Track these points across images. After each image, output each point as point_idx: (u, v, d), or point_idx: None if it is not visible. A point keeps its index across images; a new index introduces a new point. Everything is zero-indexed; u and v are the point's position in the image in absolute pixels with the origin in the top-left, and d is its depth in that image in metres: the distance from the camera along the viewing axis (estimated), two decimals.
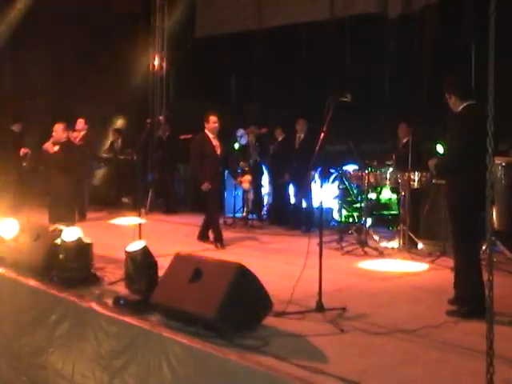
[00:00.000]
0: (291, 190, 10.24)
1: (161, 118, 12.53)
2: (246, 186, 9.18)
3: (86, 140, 10.63)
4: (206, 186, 7.72)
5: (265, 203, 11.33)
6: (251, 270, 4.27)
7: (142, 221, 6.37)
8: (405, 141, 8.43)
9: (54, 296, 5.20)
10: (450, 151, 5.23)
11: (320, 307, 4.72)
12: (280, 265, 6.88)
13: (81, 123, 10.75)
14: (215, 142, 7.88)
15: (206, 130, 7.93)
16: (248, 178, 9.49)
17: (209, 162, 7.81)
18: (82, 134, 10.69)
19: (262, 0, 12.85)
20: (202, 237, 8.21)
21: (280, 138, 10.42)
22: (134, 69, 14.47)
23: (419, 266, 6.82)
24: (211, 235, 8.09)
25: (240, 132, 10.60)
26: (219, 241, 7.88)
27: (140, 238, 5.74)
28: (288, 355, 3.74)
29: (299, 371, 3.52)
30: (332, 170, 10.10)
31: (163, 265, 4.83)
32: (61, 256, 5.56)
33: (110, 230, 9.52)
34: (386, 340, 4.19)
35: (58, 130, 8.01)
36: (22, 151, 8.60)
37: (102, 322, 4.62)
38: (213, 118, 7.85)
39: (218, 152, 7.90)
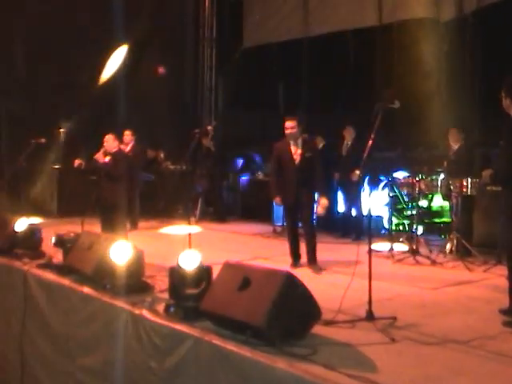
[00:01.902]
0: (340, 197, 10.19)
1: (209, 127, 12.66)
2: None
3: (134, 151, 10.78)
4: (276, 201, 7.30)
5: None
6: (299, 279, 4.28)
7: (195, 229, 6.44)
8: (456, 147, 8.29)
9: (105, 302, 5.30)
10: (508, 158, 4.98)
11: (370, 316, 4.68)
12: (329, 273, 6.85)
13: (128, 135, 10.88)
14: (295, 150, 7.02)
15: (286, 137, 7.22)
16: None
17: (284, 171, 7.10)
18: (130, 145, 10.86)
19: (309, 8, 12.88)
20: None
21: (320, 146, 10.38)
22: (183, 79, 14.70)
23: (473, 275, 6.68)
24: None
25: None
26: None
27: (190, 246, 5.79)
28: (337, 364, 3.73)
29: (348, 381, 3.50)
30: (381, 178, 10.00)
31: (213, 273, 4.88)
32: (113, 265, 5.67)
33: (160, 239, 9.65)
34: (437, 350, 4.12)
35: (109, 140, 8.18)
36: (76, 162, 8.80)
37: (153, 329, 4.69)
38: (287, 124, 7.01)
39: (297, 161, 7.00)
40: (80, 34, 12.31)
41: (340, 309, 4.76)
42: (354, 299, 4.89)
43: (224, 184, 12.71)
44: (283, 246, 8.72)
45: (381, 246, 8.07)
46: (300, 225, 7.28)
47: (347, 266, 6.19)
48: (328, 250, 8.64)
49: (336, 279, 6.31)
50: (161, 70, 13.14)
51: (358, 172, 9.54)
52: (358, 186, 9.12)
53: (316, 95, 12.84)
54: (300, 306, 4.22)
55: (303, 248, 7.19)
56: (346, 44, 12.29)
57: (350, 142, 9.77)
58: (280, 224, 10.34)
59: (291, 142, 7.00)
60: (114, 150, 8.17)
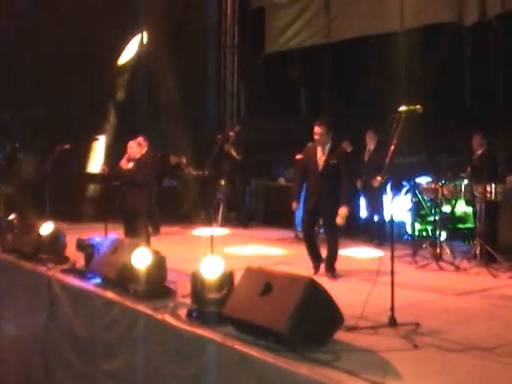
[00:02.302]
0: (362, 202, 10.15)
1: (231, 133, 12.69)
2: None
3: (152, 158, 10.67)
4: (292, 206, 7.18)
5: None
6: (322, 284, 4.26)
7: (217, 231, 6.44)
8: (480, 152, 8.21)
9: (128, 307, 5.34)
10: None
11: (392, 322, 4.64)
12: (351, 279, 6.81)
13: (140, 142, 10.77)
14: (320, 156, 6.83)
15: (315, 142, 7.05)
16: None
17: (308, 176, 6.98)
18: (143, 151, 10.76)
19: (331, 13, 12.87)
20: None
21: (348, 151, 10.35)
22: (205, 86, 14.77)
23: (497, 281, 6.60)
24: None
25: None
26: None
27: (212, 252, 5.80)
28: (359, 370, 3.70)
29: None
30: (404, 183, 9.94)
31: (235, 278, 4.88)
32: (136, 270, 5.70)
33: (183, 244, 9.68)
34: (461, 357, 4.08)
35: (132, 147, 8.24)
36: (101, 168, 8.90)
37: (175, 334, 4.70)
38: (314, 129, 6.82)
39: (320, 167, 6.81)
40: (102, 44, 12.45)
41: (362, 315, 4.73)
42: (377, 305, 4.86)
43: (246, 189, 12.72)
44: (305, 251, 8.71)
45: (403, 251, 8.00)
46: (321, 230, 7.24)
47: (369, 271, 6.15)
48: (350, 255, 8.62)
49: (358, 285, 6.27)
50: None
51: (379, 178, 9.50)
52: (381, 191, 9.07)
53: (338, 100, 12.82)
54: (322, 312, 4.20)
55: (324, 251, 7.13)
56: (369, 49, 12.26)
57: (372, 147, 9.73)
58: (301, 229, 10.29)
59: (319, 148, 6.86)
60: (138, 157, 8.21)
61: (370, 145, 9.76)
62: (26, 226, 8.13)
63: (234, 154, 12.29)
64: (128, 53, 13.44)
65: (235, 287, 4.74)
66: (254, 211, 13.08)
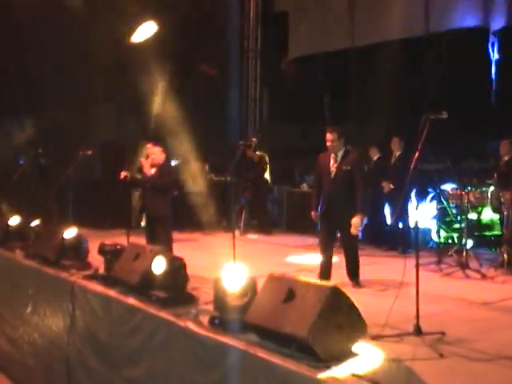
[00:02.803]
0: (387, 209, 10.13)
1: (253, 139, 12.75)
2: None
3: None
4: (312, 216, 6.99)
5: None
6: (345, 292, 4.27)
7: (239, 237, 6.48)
8: (507, 158, 8.17)
9: (150, 314, 5.38)
10: None
11: (417, 331, 4.63)
12: (375, 287, 6.80)
13: (149, 148, 10.68)
14: (333, 162, 6.80)
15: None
16: None
17: (323, 183, 6.90)
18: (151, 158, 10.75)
19: (355, 18, 12.88)
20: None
21: (375, 158, 10.37)
22: (228, 91, 14.85)
23: None
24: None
25: None
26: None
27: (234, 259, 5.84)
28: (384, 379, 3.70)
29: None
30: (429, 190, 9.90)
31: (258, 285, 4.91)
32: (158, 276, 5.75)
33: (205, 251, 9.73)
34: (488, 367, 4.06)
35: (157, 153, 8.31)
36: (122, 174, 8.96)
37: (198, 341, 4.73)
38: (327, 136, 6.84)
39: (333, 174, 6.77)
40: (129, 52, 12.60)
41: (387, 323, 4.72)
42: (401, 313, 4.85)
43: (268, 196, 12.76)
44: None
45: (429, 259, 7.97)
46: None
47: (394, 279, 6.14)
48: (374, 263, 8.61)
49: (382, 293, 6.27)
50: (209, 70, 13.32)
51: (391, 186, 9.52)
52: (405, 198, 9.04)
53: (363, 106, 12.80)
54: (346, 320, 4.20)
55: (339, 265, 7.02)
56: (394, 54, 12.23)
57: (398, 154, 9.73)
58: None
59: (332, 155, 6.83)
60: (161, 163, 8.29)
61: (396, 151, 9.75)
62: (48, 231, 8.23)
63: (256, 159, 12.35)
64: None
65: (258, 294, 4.76)
66: (277, 218, 13.11)
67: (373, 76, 12.54)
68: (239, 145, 7.36)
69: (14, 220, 9.19)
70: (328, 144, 6.79)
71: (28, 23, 12.45)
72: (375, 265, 8.43)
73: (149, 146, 9.97)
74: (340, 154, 6.79)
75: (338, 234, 7.03)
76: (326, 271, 6.80)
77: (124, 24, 12.59)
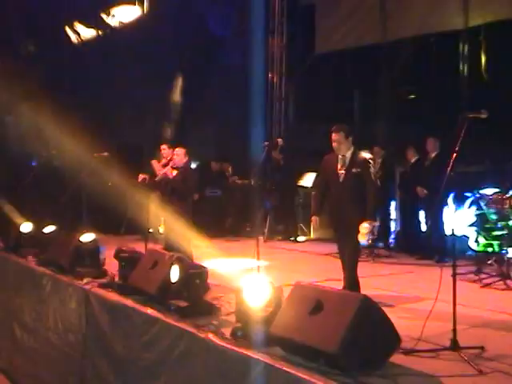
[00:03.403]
0: (422, 215, 10.07)
1: (279, 140, 12.75)
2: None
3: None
4: (312, 222, 6.84)
5: (392, 230, 11.20)
6: (377, 303, 4.25)
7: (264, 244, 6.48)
8: None
9: (169, 325, 5.40)
10: None
11: (455, 345, 4.59)
12: (409, 298, 6.76)
13: (165, 149, 10.69)
14: (341, 165, 6.50)
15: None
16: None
17: (330, 189, 6.67)
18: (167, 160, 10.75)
19: (387, 10, 12.82)
20: None
21: (413, 160, 10.29)
22: (250, 88, 14.85)
23: None
24: None
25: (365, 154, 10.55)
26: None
27: (258, 267, 5.85)
28: None
29: None
30: (468, 194, 9.81)
31: (283, 295, 4.90)
32: (177, 285, 5.77)
33: (227, 258, 9.75)
34: None
35: (180, 154, 8.36)
36: (140, 177, 9.03)
37: (220, 354, 4.74)
38: (332, 136, 6.57)
39: (342, 178, 6.48)
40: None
41: (421, 337, 4.69)
42: (437, 326, 4.82)
43: (295, 200, 12.74)
44: (359, 267, 8.67)
45: (467, 268, 7.90)
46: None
47: (429, 290, 6.09)
48: (408, 272, 8.57)
49: (417, 304, 6.22)
50: None
51: (425, 191, 9.46)
52: (441, 203, 8.97)
53: (395, 105, 12.73)
54: (377, 333, 4.18)
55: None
56: (429, 49, 12.15)
57: (433, 155, 9.67)
58: None
59: (339, 157, 6.52)
60: (183, 166, 8.34)
61: (431, 153, 9.69)
62: (62, 237, 8.32)
63: (281, 161, 12.35)
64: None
65: (283, 305, 4.76)
66: (304, 223, 13.08)
67: (405, 72, 12.48)
68: (264, 146, 7.39)
69: (26, 227, 9.29)
70: (334, 145, 6.51)
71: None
72: (409, 274, 8.39)
73: (163, 147, 10.05)
74: (348, 155, 6.49)
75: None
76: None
77: None
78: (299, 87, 15.18)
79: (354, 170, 6.42)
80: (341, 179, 6.47)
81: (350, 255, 6.49)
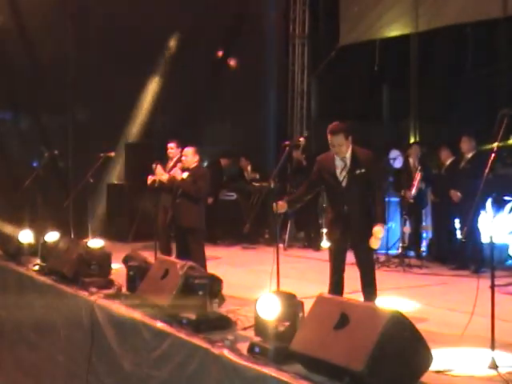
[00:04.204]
0: (457, 221, 10.03)
1: (301, 139, 12.73)
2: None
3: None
4: (274, 206, 6.18)
5: (424, 237, 11.16)
6: (407, 317, 4.23)
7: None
8: None
9: (181, 340, 5.42)
10: None
11: (493, 364, 4.56)
12: (443, 311, 6.74)
13: (172, 149, 10.18)
14: (341, 167, 6.18)
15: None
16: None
17: (330, 197, 6.47)
18: (174, 160, 10.56)
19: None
20: None
21: (449, 162, 10.25)
22: (270, 83, 14.85)
23: None
24: None
25: (394, 153, 10.53)
26: None
27: (278, 277, 5.84)
28: None
29: None
30: (507, 198, 9.77)
31: (305, 308, 4.90)
32: (190, 297, 5.79)
33: (244, 267, 9.77)
34: None
35: (188, 154, 8.35)
36: (150, 179, 9.04)
37: (236, 372, 4.74)
38: (330, 140, 6.18)
39: (345, 182, 6.16)
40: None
41: (456, 354, 4.66)
42: (474, 343, 4.79)
43: (319, 204, 12.72)
44: (388, 277, 8.67)
45: (507, 279, 7.85)
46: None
47: (464, 303, 6.06)
48: (442, 283, 8.54)
49: (451, 319, 6.19)
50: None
51: (458, 194, 9.41)
52: (478, 207, 8.92)
53: (427, 101, 12.69)
54: (408, 350, 4.16)
55: None
56: (464, 39, 12.09)
57: (469, 156, 9.63)
58: (383, 252, 10.25)
59: (337, 158, 6.19)
60: (194, 166, 8.33)
61: (467, 153, 9.65)
62: (66, 243, 8.36)
63: (303, 162, 12.33)
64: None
65: (305, 319, 4.76)
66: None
67: (438, 65, 12.43)
68: (285, 145, 7.24)
69: (25, 235, 9.33)
70: (334, 150, 6.16)
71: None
72: (442, 285, 8.36)
73: (171, 145, 10.04)
74: (348, 155, 6.17)
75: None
76: (337, 293, 6.24)
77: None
78: (322, 81, 15.17)
79: (357, 172, 6.12)
80: (344, 184, 6.16)
81: (368, 265, 6.36)
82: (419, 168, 10.48)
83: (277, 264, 5.82)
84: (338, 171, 6.18)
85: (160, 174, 9.90)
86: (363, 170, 6.11)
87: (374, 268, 6.47)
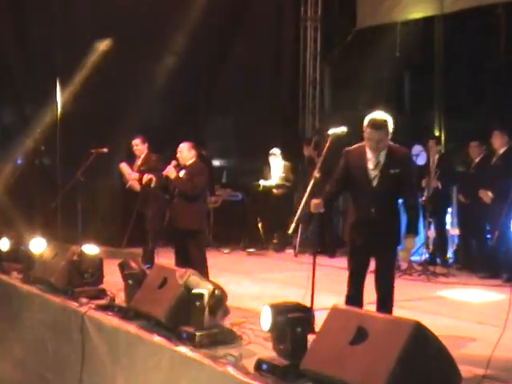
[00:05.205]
0: (487, 225, 10.03)
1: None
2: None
3: (149, 164, 10.17)
4: (313, 204, 6.25)
5: (451, 243, 11.15)
6: (432, 331, 4.23)
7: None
8: None
9: (181, 356, 5.43)
10: None
11: None
12: (472, 325, 6.74)
13: (137, 145, 10.43)
14: (374, 164, 6.07)
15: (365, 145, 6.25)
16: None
17: (356, 195, 6.29)
18: (141, 158, 10.46)
19: None
20: None
21: (478, 158, 10.23)
22: (279, 70, 14.85)
23: None
24: None
25: (417, 149, 10.51)
26: None
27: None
28: None
29: None
30: None
31: (318, 321, 4.90)
32: (190, 308, 5.80)
33: (250, 275, 9.77)
34: None
35: (183, 150, 8.37)
36: (145, 178, 9.05)
37: None
38: (370, 134, 6.07)
39: (376, 181, 6.05)
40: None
41: (486, 373, 4.66)
42: (506, 360, 4.78)
43: (333, 206, 12.72)
44: (410, 287, 8.66)
45: None
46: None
47: (496, 316, 6.06)
48: (470, 294, 8.51)
49: (481, 333, 6.18)
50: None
51: (490, 194, 9.40)
52: (509, 209, 8.91)
53: (454, 90, 12.66)
54: (433, 367, 4.17)
55: None
56: (495, 21, 12.05)
57: (500, 152, 9.62)
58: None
59: (370, 153, 6.09)
60: (190, 163, 8.34)
61: (499, 149, 9.65)
62: (53, 249, 8.37)
63: (316, 158, 12.34)
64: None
65: (318, 332, 4.76)
66: (343, 234, 13.05)
67: (466, 51, 12.39)
68: (328, 135, 7.07)
69: (3, 243, 9.32)
70: (371, 145, 6.04)
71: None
72: (470, 297, 8.34)
73: (136, 142, 10.09)
74: (384, 152, 6.09)
75: None
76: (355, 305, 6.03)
77: None
78: (337, 69, 15.14)
79: (392, 171, 6.03)
80: (374, 183, 6.05)
81: (389, 275, 6.30)
82: (435, 165, 10.47)
83: (312, 275, 5.82)
84: (369, 168, 6.06)
85: (127, 174, 9.98)
86: (398, 170, 6.03)
87: (393, 281, 6.36)
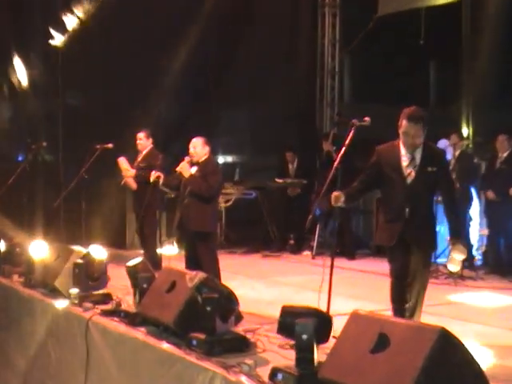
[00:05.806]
0: None
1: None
2: None
3: (151, 161, 10.15)
4: (336, 194, 6.26)
5: (479, 244, 11.11)
6: (459, 338, 4.22)
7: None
8: None
9: (191, 364, 5.43)
10: None
11: None
12: (502, 332, 6.73)
13: (141, 139, 10.35)
14: (408, 161, 6.07)
15: (399, 140, 6.22)
16: None
17: (388, 193, 6.33)
18: (144, 153, 10.41)
19: None
20: None
21: (506, 153, 10.19)
22: (296, 60, 14.83)
23: None
24: None
25: (442, 144, 10.48)
26: None
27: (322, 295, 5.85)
28: None
29: None
30: None
31: (337, 327, 4.90)
32: (201, 314, 5.80)
33: (265, 279, 9.77)
34: None
35: (197, 146, 8.36)
36: (153, 175, 9.06)
37: None
38: (407, 128, 6.03)
39: (411, 178, 6.04)
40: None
41: None
42: None
43: (354, 203, 12.73)
44: (436, 291, 8.63)
45: None
46: None
47: None
48: (499, 299, 8.50)
49: (507, 339, 6.16)
50: None
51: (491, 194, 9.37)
52: None
53: (482, 80, 12.61)
54: (459, 375, 4.15)
55: None
56: None
57: (505, 155, 9.70)
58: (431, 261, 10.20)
59: (404, 149, 6.10)
60: (203, 159, 8.34)
61: (503, 152, 9.68)
62: (56, 251, 8.40)
63: (334, 154, 12.32)
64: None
65: (337, 340, 4.76)
66: (363, 235, 13.04)
67: (494, 38, 12.34)
68: (352, 124, 7.01)
69: (3, 245, 9.35)
70: (407, 140, 6.02)
71: None
72: (500, 302, 8.32)
73: (140, 135, 10.08)
74: (419, 149, 6.08)
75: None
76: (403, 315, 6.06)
77: None
78: (357, 58, 15.13)
79: (430, 169, 6.02)
80: (408, 181, 6.05)
81: (423, 282, 6.18)
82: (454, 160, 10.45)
83: (329, 279, 5.82)
84: (403, 165, 6.06)
85: (124, 170, 9.98)
86: (435, 169, 6.02)
87: (424, 289, 6.20)
